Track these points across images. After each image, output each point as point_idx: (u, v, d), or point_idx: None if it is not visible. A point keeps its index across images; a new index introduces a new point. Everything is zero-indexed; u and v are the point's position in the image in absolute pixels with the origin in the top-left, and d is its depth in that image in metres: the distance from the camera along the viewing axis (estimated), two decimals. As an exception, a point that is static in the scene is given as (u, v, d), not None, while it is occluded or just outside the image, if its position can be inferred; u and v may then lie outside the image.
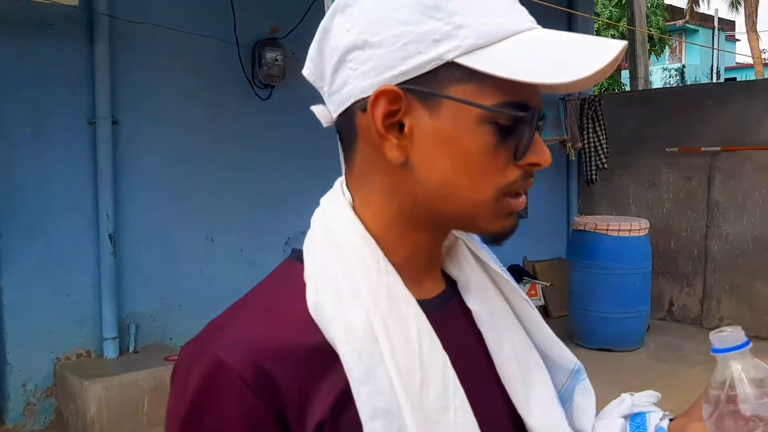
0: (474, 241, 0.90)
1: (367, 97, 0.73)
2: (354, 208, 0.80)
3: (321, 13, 3.22)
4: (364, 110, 0.74)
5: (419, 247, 0.80)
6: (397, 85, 0.72)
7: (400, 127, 0.74)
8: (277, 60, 4.67)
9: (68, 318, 4.14)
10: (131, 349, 4.30)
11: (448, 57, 0.71)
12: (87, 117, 4.12)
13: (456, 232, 0.88)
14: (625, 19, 11.69)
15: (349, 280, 0.74)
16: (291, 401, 0.70)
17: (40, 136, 3.98)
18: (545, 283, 6.43)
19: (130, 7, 4.19)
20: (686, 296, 6.51)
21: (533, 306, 0.92)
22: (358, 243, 0.77)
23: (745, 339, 0.79)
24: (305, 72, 0.81)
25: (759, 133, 6.02)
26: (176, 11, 4.39)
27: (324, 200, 0.83)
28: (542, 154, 0.76)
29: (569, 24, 6.87)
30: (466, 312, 0.85)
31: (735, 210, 6.13)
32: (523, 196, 0.78)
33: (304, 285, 0.76)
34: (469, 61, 0.71)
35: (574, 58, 0.71)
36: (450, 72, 0.72)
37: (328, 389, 0.71)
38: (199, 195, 4.55)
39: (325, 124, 0.82)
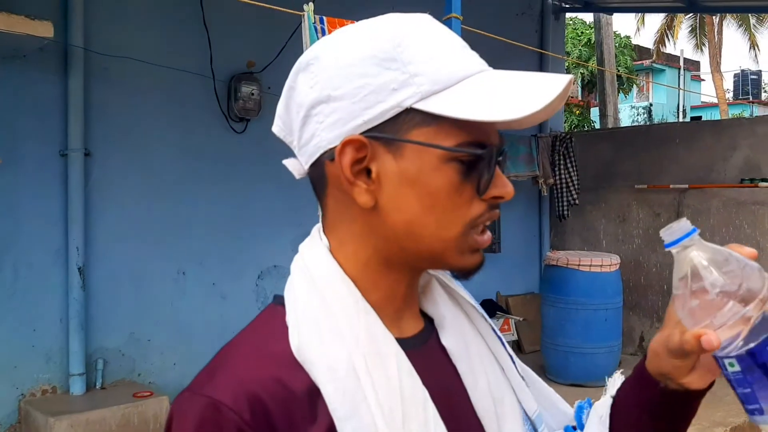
0: (447, 275, 0.93)
1: (335, 147, 0.77)
2: (331, 252, 0.83)
3: (297, 48, 3.27)
4: (332, 159, 0.78)
5: (395, 287, 0.83)
6: (362, 133, 0.77)
7: (368, 172, 0.78)
8: (252, 94, 4.68)
9: (34, 353, 4.04)
10: (98, 385, 4.21)
11: (407, 104, 0.75)
12: (59, 148, 4.09)
13: (430, 270, 0.90)
14: (594, 59, 11.93)
15: (329, 322, 0.77)
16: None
17: (11, 167, 3.93)
18: (518, 318, 6.45)
19: (105, 40, 4.19)
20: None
21: (504, 342, 0.94)
22: (337, 285, 0.80)
23: (692, 227, 0.81)
24: (275, 129, 0.86)
25: (725, 171, 6.14)
26: (152, 45, 4.39)
27: (302, 247, 0.86)
28: (504, 187, 0.80)
29: (540, 63, 6.99)
30: (444, 348, 0.87)
31: (703, 246, 6.21)
32: (488, 233, 0.82)
33: (286, 328, 0.78)
34: (426, 106, 0.75)
35: (523, 95, 0.75)
36: (410, 117, 0.76)
37: (316, 427, 0.73)
38: (171, 228, 4.51)
39: (297, 176, 0.87)
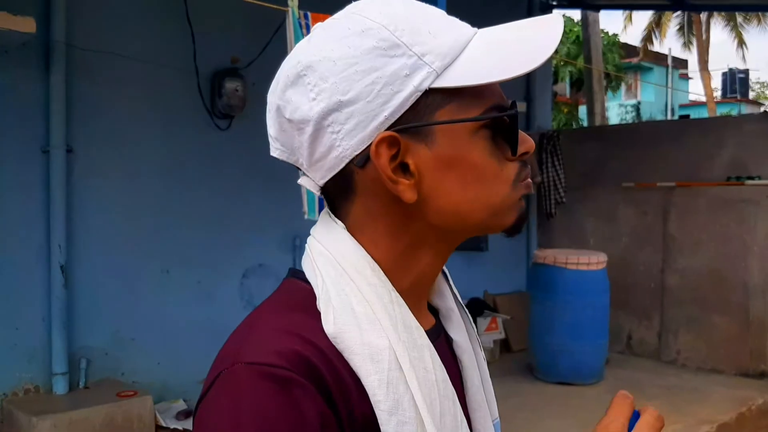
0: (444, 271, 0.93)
1: (361, 153, 0.74)
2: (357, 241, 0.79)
3: (282, 43, 3.22)
4: (362, 166, 0.75)
5: (427, 271, 0.81)
6: (387, 129, 0.74)
7: (403, 167, 0.75)
8: (237, 90, 4.64)
9: (16, 352, 3.99)
10: (82, 384, 4.17)
11: (425, 86, 0.73)
12: (40, 145, 4.04)
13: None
14: (582, 57, 11.94)
15: (365, 310, 0.74)
16: (341, 408, 0.69)
17: (-9, 164, 3.89)
18: (506, 317, 6.44)
19: (88, 35, 4.14)
20: (644, 330, 6.57)
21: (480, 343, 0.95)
22: (369, 275, 0.77)
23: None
24: (275, 153, 0.82)
25: (712, 170, 6.16)
26: (135, 40, 4.35)
27: (318, 234, 0.82)
28: (528, 142, 0.80)
29: (528, 60, 6.99)
30: (449, 342, 0.87)
31: (690, 244, 6.24)
32: (529, 182, 0.82)
33: (318, 313, 0.74)
34: (444, 82, 0.73)
35: (529, 44, 0.76)
36: (430, 100, 0.74)
37: (357, 414, 0.70)
38: (155, 226, 4.47)
39: (317, 193, 0.83)
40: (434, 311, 0.89)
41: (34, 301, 4.04)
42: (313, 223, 0.89)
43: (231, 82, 4.64)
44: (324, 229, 0.82)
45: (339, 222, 0.80)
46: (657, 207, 6.45)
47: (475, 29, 0.79)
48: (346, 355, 0.71)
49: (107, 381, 4.28)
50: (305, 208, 3.12)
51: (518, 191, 0.80)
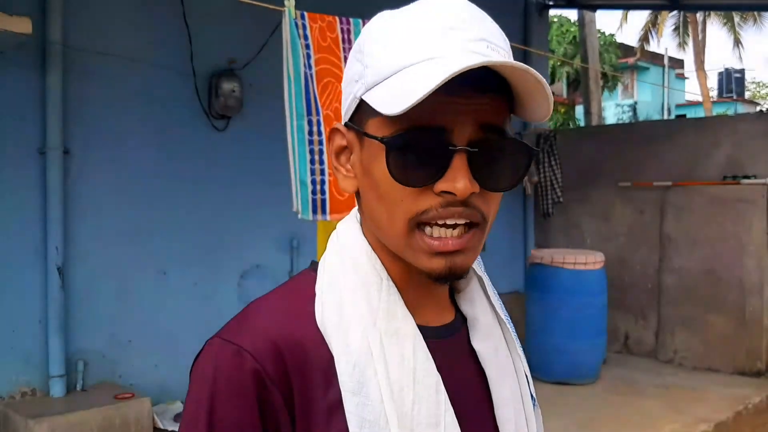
0: (491, 288, 0.95)
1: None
2: (362, 230, 0.86)
3: (279, 44, 3.22)
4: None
5: (410, 273, 0.82)
6: (346, 124, 0.82)
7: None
8: (234, 91, 4.63)
9: (13, 354, 3.98)
10: (79, 387, 4.15)
11: (359, 94, 0.78)
12: (37, 146, 4.02)
13: (474, 274, 0.92)
14: (578, 57, 11.96)
15: (351, 298, 0.79)
16: (299, 397, 0.76)
17: (-12, 166, 3.87)
18: (503, 316, 6.43)
19: (84, 36, 4.13)
20: (641, 329, 6.58)
21: (524, 362, 0.95)
22: (364, 263, 0.82)
23: None
24: None
25: (708, 169, 6.17)
26: (132, 41, 4.34)
27: (341, 222, 0.89)
28: (454, 182, 0.73)
29: (524, 60, 6.99)
30: (472, 349, 0.87)
31: (687, 244, 6.24)
32: (450, 240, 0.75)
33: (314, 296, 0.82)
34: (367, 97, 0.76)
35: (424, 80, 0.70)
36: (365, 107, 0.77)
37: (328, 395, 0.76)
38: (152, 228, 4.46)
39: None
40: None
41: (31, 303, 4.02)
42: (313, 224, 0.93)
43: (228, 83, 4.63)
44: (347, 218, 0.89)
45: (359, 215, 0.87)
46: (653, 206, 6.45)
47: (441, 53, 0.73)
48: (327, 337, 0.78)
49: (104, 383, 4.26)
50: (297, 207, 3.10)
51: (417, 237, 0.76)
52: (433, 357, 0.79)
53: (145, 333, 4.41)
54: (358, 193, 0.84)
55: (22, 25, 3.62)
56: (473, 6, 0.78)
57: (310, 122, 3.03)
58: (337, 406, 0.76)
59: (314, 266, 0.87)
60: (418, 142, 0.73)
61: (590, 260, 5.61)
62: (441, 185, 0.73)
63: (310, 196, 3.04)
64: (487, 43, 0.75)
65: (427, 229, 0.75)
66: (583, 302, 5.57)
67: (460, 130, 0.73)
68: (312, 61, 2.99)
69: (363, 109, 0.78)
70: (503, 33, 0.80)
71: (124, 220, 4.35)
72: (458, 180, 0.73)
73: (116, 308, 4.33)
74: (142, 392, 4.13)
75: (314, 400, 0.76)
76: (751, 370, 5.84)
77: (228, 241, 4.80)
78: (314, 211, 3.10)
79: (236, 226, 4.83)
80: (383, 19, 0.80)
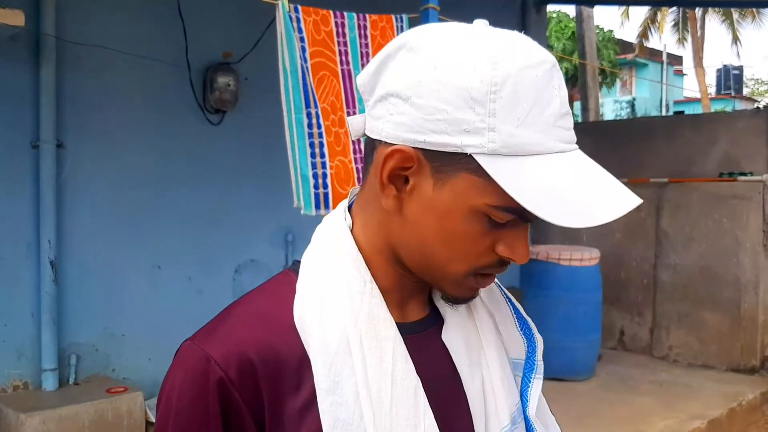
0: None
1: (388, 144, 0.79)
2: (352, 230, 0.86)
3: (275, 38, 3.19)
4: (386, 147, 0.79)
5: (403, 280, 0.85)
6: (417, 147, 0.77)
7: (406, 180, 0.79)
8: (229, 85, 4.61)
9: (5, 348, 3.96)
10: (71, 380, 4.14)
11: (469, 151, 0.74)
12: (30, 139, 4.00)
13: None
14: (576, 53, 11.94)
15: (332, 298, 0.80)
16: (269, 402, 0.77)
17: (-20, 159, 3.85)
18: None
19: (78, 28, 4.11)
20: (637, 325, 6.58)
21: (508, 353, 0.95)
22: (348, 264, 0.82)
23: None
24: (359, 80, 0.85)
25: (705, 165, 6.16)
26: (126, 34, 4.31)
27: (326, 219, 0.89)
28: (519, 254, 0.80)
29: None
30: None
31: (683, 240, 6.24)
32: (493, 278, 0.84)
33: (294, 294, 0.82)
34: (485, 162, 0.73)
35: (579, 204, 0.74)
36: (467, 160, 0.75)
37: (300, 396, 0.77)
38: (146, 221, 4.44)
39: (353, 136, 0.87)
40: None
41: (24, 296, 4.01)
42: (308, 218, 0.93)
43: (223, 76, 4.61)
44: (332, 216, 0.89)
45: (348, 217, 0.87)
46: (650, 203, 6.45)
47: (566, 147, 0.77)
48: (303, 336, 0.79)
49: (97, 377, 4.26)
50: (300, 203, 3.08)
51: (469, 280, 0.82)
52: (411, 354, 0.81)
53: (138, 327, 4.40)
54: (366, 164, 0.85)
55: (15, 18, 3.61)
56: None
57: (309, 115, 3.00)
58: (309, 406, 0.77)
59: (295, 266, 0.87)
60: (516, 220, 0.79)
61: (585, 256, 5.60)
62: (506, 252, 0.80)
63: (312, 190, 3.02)
64: (570, 117, 0.81)
65: (480, 275, 0.83)
66: (578, 298, 5.57)
67: (531, 215, 0.77)
68: (307, 54, 2.97)
69: (461, 159, 0.75)
70: None
71: (118, 213, 4.34)
72: (522, 253, 0.81)
73: (109, 302, 4.32)
74: (135, 386, 4.12)
75: (285, 404, 0.77)
76: (746, 367, 5.85)
77: (222, 235, 4.79)
78: (317, 206, 3.07)
79: (231, 221, 4.82)
80: (505, 65, 0.74)
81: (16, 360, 4.01)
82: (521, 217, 0.77)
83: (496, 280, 0.93)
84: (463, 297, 0.84)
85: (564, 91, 0.78)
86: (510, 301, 0.98)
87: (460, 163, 0.75)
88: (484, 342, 0.90)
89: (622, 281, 6.57)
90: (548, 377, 4.69)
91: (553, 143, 0.75)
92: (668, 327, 6.34)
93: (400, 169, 0.78)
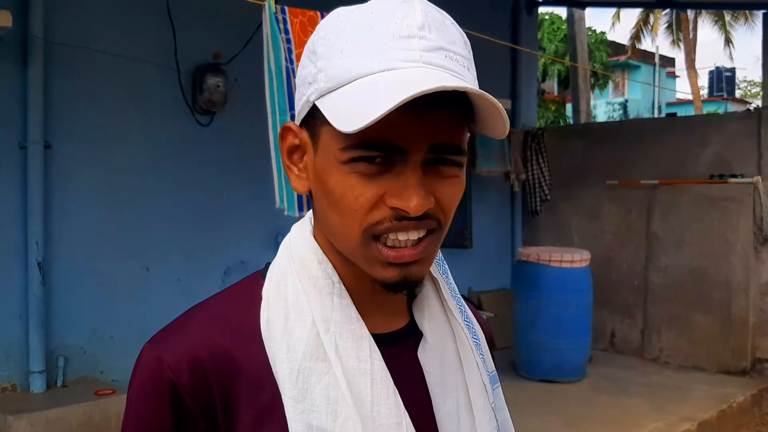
0: (448, 288, 0.91)
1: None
2: (314, 234, 0.84)
3: (263, 40, 3.14)
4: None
5: (364, 276, 0.79)
6: (301, 123, 0.80)
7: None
8: (218, 86, 4.60)
9: (-8, 350, 3.95)
10: (59, 383, 4.12)
11: (312, 99, 0.75)
12: (18, 141, 3.98)
13: (429, 277, 0.88)
14: (569, 55, 11.96)
15: (297, 302, 0.79)
16: (223, 408, 0.75)
17: (-33, 160, 3.83)
18: (490, 314, 6.42)
19: (66, 29, 4.09)
20: (627, 327, 6.58)
21: (484, 370, 0.91)
22: (314, 267, 0.81)
23: None
24: None
25: (696, 167, 6.17)
26: (115, 35, 4.29)
27: (295, 226, 0.88)
28: (406, 200, 0.72)
29: (513, 58, 6.98)
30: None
31: (673, 242, 6.25)
32: (406, 250, 0.75)
33: (260, 300, 0.81)
34: (320, 103, 0.74)
35: (380, 98, 0.67)
36: (320, 113, 0.74)
37: (257, 404, 0.76)
38: (135, 223, 4.42)
39: None
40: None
41: (11, 298, 3.99)
42: (294, 220, 0.92)
43: (212, 77, 4.59)
44: (301, 221, 0.87)
45: (312, 218, 0.85)
46: (641, 205, 6.46)
47: (398, 65, 0.71)
48: (268, 344, 0.77)
49: (85, 379, 4.23)
50: (283, 204, 3.08)
51: (373, 247, 0.74)
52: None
53: (127, 329, 4.37)
54: (310, 194, 0.83)
55: (3, 19, 3.58)
56: (432, 7, 0.75)
57: (293, 117, 2.99)
58: (267, 415, 0.76)
59: (263, 271, 0.86)
60: (380, 155, 0.72)
61: (576, 258, 5.60)
62: (393, 201, 0.73)
63: (295, 192, 3.01)
64: (445, 53, 0.73)
65: (382, 238, 0.75)
66: (569, 300, 5.57)
67: (416, 148, 0.72)
68: (293, 56, 2.96)
69: (317, 114, 0.75)
70: (463, 35, 0.77)
71: (106, 215, 4.32)
72: (411, 198, 0.72)
73: (98, 304, 4.30)
74: (123, 388, 4.09)
75: (240, 411, 0.76)
76: (737, 369, 5.85)
77: (212, 236, 4.77)
78: (300, 208, 3.08)
79: (220, 222, 4.80)
80: (338, 18, 0.76)
81: (4, 362, 3.99)
82: (385, 155, 0.71)
83: (444, 288, 0.89)
84: (384, 279, 0.76)
85: (419, 17, 0.72)
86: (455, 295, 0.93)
87: (318, 118, 0.75)
88: (465, 364, 0.87)
89: (613, 283, 6.57)
90: (539, 379, 4.75)
91: (385, 63, 0.71)
92: (659, 329, 6.35)
93: (292, 148, 0.81)
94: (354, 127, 0.67)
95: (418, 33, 0.72)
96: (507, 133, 0.74)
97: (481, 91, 0.69)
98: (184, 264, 4.66)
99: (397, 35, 0.71)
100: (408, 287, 0.77)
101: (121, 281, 4.39)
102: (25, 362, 4.03)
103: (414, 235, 0.74)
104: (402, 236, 0.74)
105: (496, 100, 0.70)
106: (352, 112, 0.68)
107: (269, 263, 0.86)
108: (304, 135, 0.79)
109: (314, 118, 0.76)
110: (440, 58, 0.72)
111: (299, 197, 3.08)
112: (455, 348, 0.87)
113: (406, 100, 0.65)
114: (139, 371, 0.79)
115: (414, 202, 0.72)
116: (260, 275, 0.85)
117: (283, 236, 0.87)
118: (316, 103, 0.74)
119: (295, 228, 0.87)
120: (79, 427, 3.78)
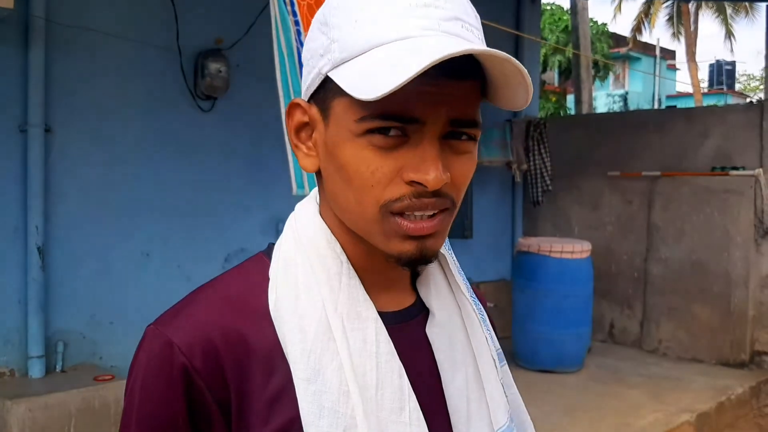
0: (455, 265, 0.90)
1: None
2: (321, 213, 0.82)
3: (267, 25, 3.14)
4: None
5: (373, 255, 0.79)
6: (310, 97, 0.77)
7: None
8: (220, 71, 4.57)
9: (-9, 334, 3.93)
10: (58, 368, 4.10)
11: (324, 71, 0.73)
12: (18, 124, 3.95)
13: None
14: (570, 45, 11.92)
15: (307, 282, 0.77)
16: (236, 391, 0.74)
17: (-33, 143, 3.80)
18: (490, 304, 6.42)
19: (68, 11, 4.05)
20: (627, 318, 6.59)
21: (494, 348, 0.90)
22: (323, 246, 0.79)
23: None
24: None
25: (697, 159, 6.16)
26: (117, 18, 4.26)
27: (299, 205, 0.86)
28: (424, 173, 0.71)
29: (516, 46, 6.95)
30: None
31: (674, 234, 6.24)
32: (424, 222, 0.73)
33: (267, 280, 0.79)
34: (334, 75, 0.71)
35: (403, 64, 0.66)
36: (331, 86, 0.72)
37: (270, 385, 0.74)
38: (136, 208, 4.40)
39: None
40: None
41: (10, 283, 3.96)
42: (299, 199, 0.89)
43: (214, 62, 4.56)
44: (306, 199, 0.86)
45: (318, 199, 0.84)
46: (641, 196, 6.45)
47: (413, 33, 0.69)
48: (278, 323, 0.75)
49: (84, 365, 4.22)
50: (302, 190, 3.04)
51: (390, 223, 0.73)
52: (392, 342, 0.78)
53: (126, 314, 4.36)
54: (318, 173, 0.81)
55: (4, 0, 3.54)
56: None
57: None
58: (280, 396, 0.74)
59: (268, 250, 0.84)
60: (401, 128, 0.71)
61: (577, 249, 5.60)
62: (411, 175, 0.71)
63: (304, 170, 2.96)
64: (461, 23, 0.72)
65: (401, 215, 0.74)
66: (569, 291, 5.57)
67: (433, 120, 0.71)
68: (302, 38, 2.93)
69: (328, 86, 0.73)
70: (475, 10, 0.76)
71: (107, 199, 4.29)
72: (429, 171, 0.71)
73: (98, 289, 4.28)
74: (122, 374, 4.08)
75: (253, 393, 0.74)
76: (735, 361, 5.86)
77: (212, 223, 4.75)
78: (310, 185, 3.02)
79: (221, 208, 4.78)
80: None
81: (2, 347, 3.97)
82: (401, 128, 0.70)
83: (451, 264, 0.88)
84: (401, 253, 0.74)
85: None
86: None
87: (330, 91, 0.73)
88: (473, 339, 0.86)
89: (613, 274, 6.57)
90: (538, 369, 4.74)
91: (403, 31, 0.69)
92: (658, 320, 6.35)
93: (300, 126, 0.79)
94: (377, 94, 0.65)
95: (434, 2, 0.71)
96: (529, 102, 0.73)
97: (508, 55, 0.68)
98: (185, 250, 4.64)
99: (414, 4, 0.70)
100: (424, 261, 0.76)
101: (120, 266, 4.37)
102: (24, 347, 4.01)
103: (432, 211, 0.74)
104: (419, 213, 0.73)
105: (519, 63, 0.68)
106: (373, 80, 0.66)
107: (272, 243, 0.85)
108: (314, 110, 0.77)
109: (325, 90, 0.74)
110: (457, 28, 0.71)
111: (310, 175, 3.03)
112: (462, 323, 0.87)
113: (434, 63, 0.64)
114: (143, 356, 0.76)
115: (432, 175, 0.71)
116: (265, 255, 0.83)
117: (284, 223, 0.85)
118: (330, 74, 0.72)
119: (300, 207, 0.85)
120: (77, 412, 3.77)
